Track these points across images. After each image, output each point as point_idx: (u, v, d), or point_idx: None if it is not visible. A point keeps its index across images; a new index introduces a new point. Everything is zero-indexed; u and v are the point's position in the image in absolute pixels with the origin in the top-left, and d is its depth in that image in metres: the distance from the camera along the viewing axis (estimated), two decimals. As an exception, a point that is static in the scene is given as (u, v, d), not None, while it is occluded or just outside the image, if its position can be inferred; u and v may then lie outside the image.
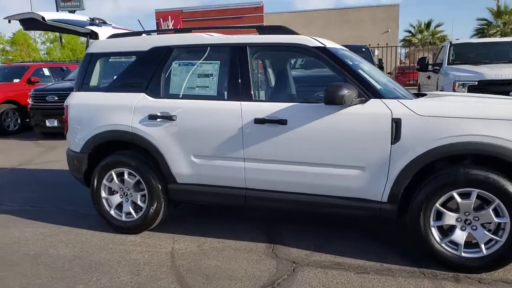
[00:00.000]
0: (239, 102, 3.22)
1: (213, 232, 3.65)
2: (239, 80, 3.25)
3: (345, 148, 2.94)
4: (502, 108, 2.87)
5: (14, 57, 28.76)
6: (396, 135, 2.81)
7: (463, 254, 2.78)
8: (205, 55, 3.44)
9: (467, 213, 2.75)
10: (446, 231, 2.86)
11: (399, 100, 2.92)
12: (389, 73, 18.91)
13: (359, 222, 3.76)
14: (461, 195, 2.74)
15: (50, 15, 3.85)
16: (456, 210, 2.78)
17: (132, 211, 3.61)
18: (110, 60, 3.91)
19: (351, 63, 3.14)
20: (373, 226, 3.68)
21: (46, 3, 72.51)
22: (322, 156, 3.01)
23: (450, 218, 2.79)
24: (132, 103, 3.49)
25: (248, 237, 3.54)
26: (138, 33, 3.87)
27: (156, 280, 2.86)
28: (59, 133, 9.52)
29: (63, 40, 27.91)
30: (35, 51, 29.67)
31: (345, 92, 2.81)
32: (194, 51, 3.47)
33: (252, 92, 3.23)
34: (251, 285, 2.77)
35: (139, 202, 3.57)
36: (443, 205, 2.80)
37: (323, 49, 3.12)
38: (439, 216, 2.82)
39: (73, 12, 22.32)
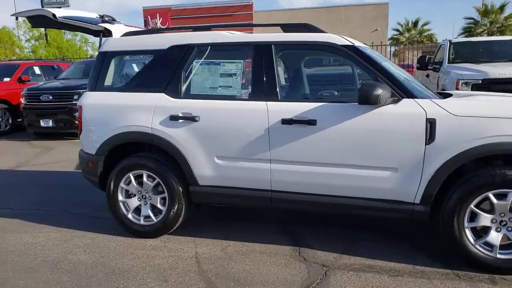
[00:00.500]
0: (265, 102, 3.14)
1: (233, 235, 3.57)
2: (264, 80, 3.17)
3: (378, 149, 2.89)
4: None
5: (-2, 55, 28.04)
6: (430, 135, 2.77)
7: (498, 256, 2.75)
8: (228, 54, 3.35)
9: (502, 214, 2.73)
10: (479, 233, 2.83)
11: (432, 100, 2.88)
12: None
13: (381, 223, 3.72)
14: (497, 196, 2.71)
15: (61, 12, 3.72)
16: (490, 211, 2.76)
17: (151, 215, 3.50)
18: (125, 58, 3.79)
19: (381, 62, 3.09)
20: (397, 228, 3.64)
21: (30, 1, 70.79)
22: (353, 157, 2.95)
23: (485, 219, 2.76)
24: (151, 103, 3.38)
25: (270, 239, 3.46)
26: (155, 31, 3.74)
27: (186, 287, 2.77)
28: (54, 134, 9.33)
29: (48, 37, 27.29)
30: (20, 49, 28.97)
31: (380, 91, 2.76)
32: (216, 50, 3.37)
33: (278, 91, 3.16)
34: (285, 290, 2.70)
35: (158, 205, 3.46)
36: (477, 206, 2.77)
37: (353, 48, 3.06)
38: (473, 217, 2.80)
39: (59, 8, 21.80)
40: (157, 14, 27.37)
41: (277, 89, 3.16)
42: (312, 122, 2.98)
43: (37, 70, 11.56)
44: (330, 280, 2.80)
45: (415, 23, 33.23)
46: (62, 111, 8.77)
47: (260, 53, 3.21)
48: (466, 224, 2.79)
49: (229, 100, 3.26)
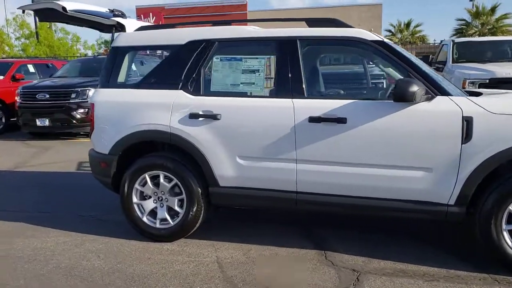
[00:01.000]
0: (291, 100, 3.00)
1: (253, 238, 3.42)
2: (290, 76, 3.03)
3: (411, 148, 2.77)
4: None
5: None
6: (467, 134, 2.66)
7: (538, 259, 2.66)
8: (250, 49, 3.21)
9: (542, 216, 2.64)
10: (516, 235, 2.73)
11: (467, 97, 2.77)
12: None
13: (403, 224, 3.61)
14: (536, 197, 2.61)
15: (71, 5, 3.52)
16: (529, 213, 2.66)
17: (168, 217, 3.34)
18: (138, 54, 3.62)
19: (411, 57, 2.97)
20: (420, 229, 3.54)
21: (17, -2, 69.36)
22: (384, 157, 2.83)
23: (523, 221, 2.66)
24: (169, 100, 3.22)
25: (292, 242, 3.33)
26: (171, 26, 3.58)
27: (213, 294, 2.62)
28: (49, 133, 9.07)
29: (39, 35, 26.80)
30: (9, 47, 28.38)
31: (416, 88, 2.64)
32: (238, 45, 3.24)
33: (304, 88, 3.02)
34: (318, 297, 2.57)
35: (176, 208, 3.30)
36: (515, 207, 2.67)
37: (383, 43, 2.95)
38: (511, 219, 2.69)
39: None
40: (150, 13, 27.05)
41: (303, 86, 3.02)
42: (342, 120, 2.85)
43: (31, 68, 11.27)
44: (364, 285, 2.67)
45: (408, 25, 33.40)
46: (59, 110, 8.52)
47: (285, 49, 3.08)
48: (504, 226, 2.69)
49: (252, 97, 3.12)
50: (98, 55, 14.73)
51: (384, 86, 3.43)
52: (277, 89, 3.09)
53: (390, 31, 34.43)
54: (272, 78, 3.17)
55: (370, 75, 3.87)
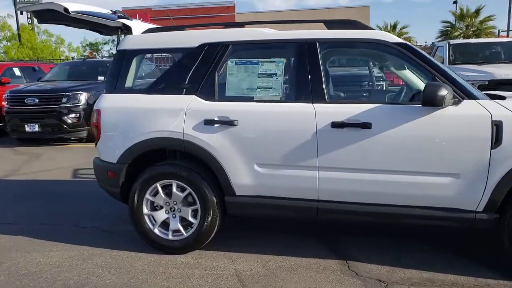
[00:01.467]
0: (311, 104, 2.89)
1: (270, 248, 3.29)
2: (309, 80, 2.92)
3: (439, 154, 2.68)
4: None
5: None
6: (497, 139, 2.59)
7: None
8: (267, 53, 3.08)
9: None
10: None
11: (496, 101, 2.70)
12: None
13: (423, 231, 3.53)
14: None
15: (74, 6, 3.34)
16: (561, 219, 2.59)
17: (181, 228, 3.18)
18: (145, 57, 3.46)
19: (435, 60, 2.89)
20: (441, 236, 3.45)
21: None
22: (411, 163, 2.73)
23: (555, 227, 2.60)
24: (182, 106, 3.07)
25: (312, 252, 3.21)
26: (181, 27, 3.43)
27: (238, 311, 2.48)
28: (39, 139, 8.77)
29: (21, 38, 26.19)
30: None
31: (445, 92, 2.56)
32: (254, 48, 3.11)
33: (326, 92, 2.91)
34: (349, 311, 2.45)
35: (190, 218, 3.15)
36: (545, 214, 2.60)
37: (406, 46, 2.86)
38: (541, 225, 2.63)
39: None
40: (137, 15, 26.66)
41: (324, 90, 2.91)
42: (366, 125, 2.75)
43: (17, 72, 10.93)
44: (394, 297, 2.57)
45: (394, 27, 33.71)
46: (49, 115, 8.23)
47: (304, 51, 2.96)
48: (534, 233, 2.62)
49: (270, 102, 2.99)
50: (87, 58, 14.39)
51: (405, 89, 3.33)
52: (296, 94, 2.97)
53: (376, 33, 34.71)
54: (291, 81, 3.05)
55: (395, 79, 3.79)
